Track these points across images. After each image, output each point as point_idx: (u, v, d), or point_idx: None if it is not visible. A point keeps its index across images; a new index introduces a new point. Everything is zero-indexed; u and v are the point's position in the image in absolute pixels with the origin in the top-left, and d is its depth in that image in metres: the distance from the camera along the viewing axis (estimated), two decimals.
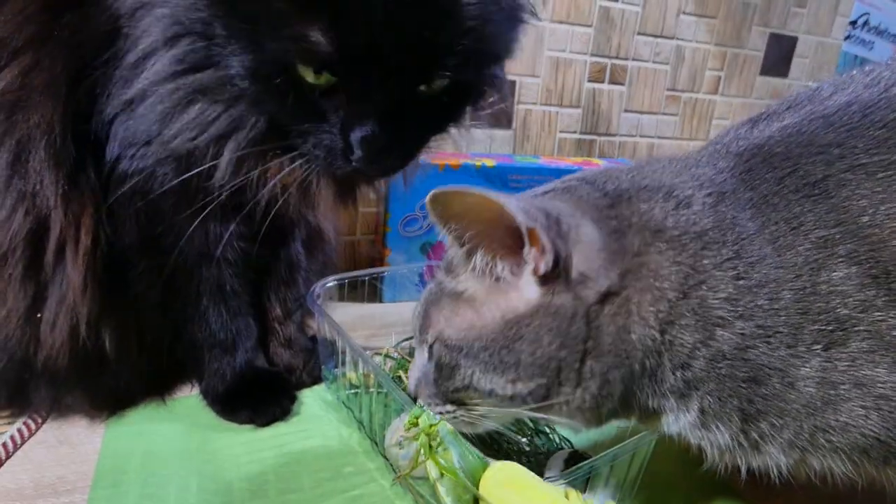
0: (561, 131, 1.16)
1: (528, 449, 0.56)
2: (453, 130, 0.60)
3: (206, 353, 0.62)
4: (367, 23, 0.41)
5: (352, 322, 0.63)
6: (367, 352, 0.62)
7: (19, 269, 0.52)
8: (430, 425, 0.42)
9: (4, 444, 0.54)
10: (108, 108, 0.51)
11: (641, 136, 1.24)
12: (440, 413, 0.44)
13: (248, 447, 0.57)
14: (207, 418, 0.62)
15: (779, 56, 1.32)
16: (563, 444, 0.58)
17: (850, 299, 0.35)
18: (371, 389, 0.59)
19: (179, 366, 0.64)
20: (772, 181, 0.38)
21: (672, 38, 1.19)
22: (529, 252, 0.37)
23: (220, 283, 0.60)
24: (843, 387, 0.35)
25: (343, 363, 0.61)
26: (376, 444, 0.58)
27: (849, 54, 1.37)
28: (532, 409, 0.40)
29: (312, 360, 0.70)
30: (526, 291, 0.38)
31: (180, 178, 0.51)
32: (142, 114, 0.49)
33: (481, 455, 0.41)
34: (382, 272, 0.87)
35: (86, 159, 0.53)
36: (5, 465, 0.53)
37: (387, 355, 0.68)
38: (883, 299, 0.34)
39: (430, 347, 0.43)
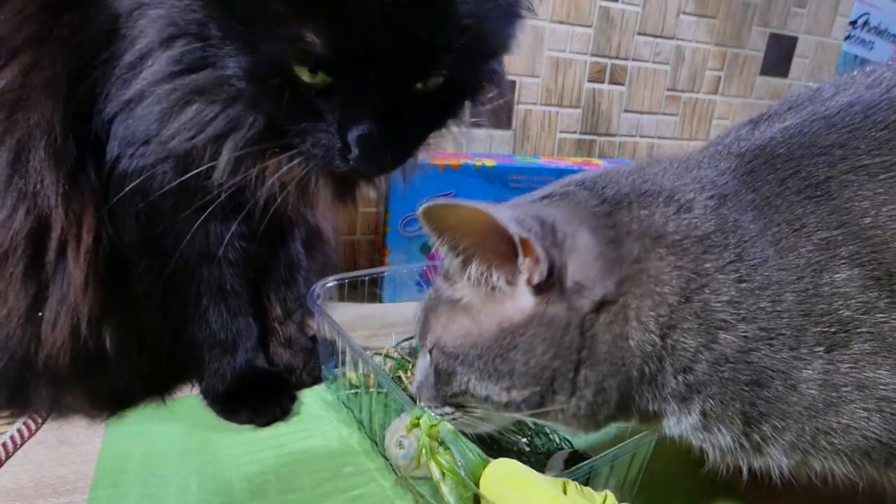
0: (561, 131, 1.16)
1: (528, 449, 0.56)
2: (453, 127, 0.60)
3: (206, 352, 0.62)
4: (363, 23, 0.41)
5: (352, 322, 0.63)
6: (367, 352, 0.62)
7: (20, 268, 0.52)
8: (431, 426, 0.43)
9: (4, 444, 0.54)
10: (108, 108, 0.51)
11: (641, 137, 1.24)
12: (440, 415, 0.44)
13: (248, 447, 0.57)
14: (207, 418, 0.62)
15: (779, 56, 1.32)
16: (563, 444, 0.58)
17: (853, 301, 0.34)
18: (371, 389, 0.59)
19: (179, 366, 0.64)
20: (774, 182, 0.38)
21: (672, 38, 1.19)
22: (524, 262, 0.37)
23: (221, 283, 0.60)
24: (845, 389, 0.35)
25: (343, 363, 0.61)
26: (376, 444, 0.58)
27: (849, 54, 1.37)
28: (528, 416, 0.40)
29: (312, 360, 0.70)
30: (521, 301, 0.38)
31: (180, 178, 0.51)
32: (140, 114, 0.49)
33: (481, 453, 0.41)
34: (382, 272, 0.87)
35: (86, 159, 0.53)
36: (5, 465, 0.53)
37: (387, 355, 0.68)
38: (885, 301, 0.34)
39: (430, 353, 0.43)
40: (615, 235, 0.38)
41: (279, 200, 0.53)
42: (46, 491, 0.50)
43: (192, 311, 0.60)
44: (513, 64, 1.06)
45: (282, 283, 0.69)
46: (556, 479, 0.39)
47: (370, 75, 0.44)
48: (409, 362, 0.67)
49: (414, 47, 0.43)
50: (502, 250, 0.37)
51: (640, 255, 0.37)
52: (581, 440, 0.57)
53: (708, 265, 0.36)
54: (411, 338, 0.75)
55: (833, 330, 0.35)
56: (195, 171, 0.50)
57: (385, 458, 0.55)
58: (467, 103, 0.58)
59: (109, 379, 0.59)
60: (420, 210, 0.37)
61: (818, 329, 0.35)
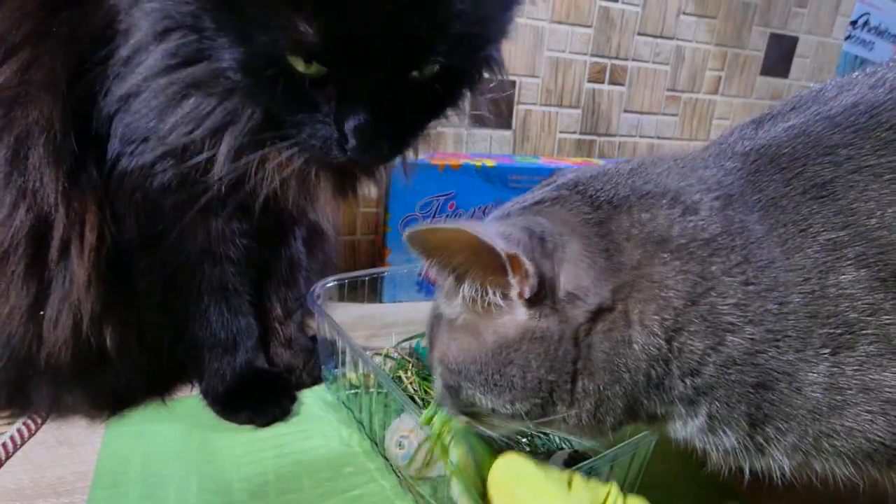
0: (561, 131, 1.16)
1: (528, 449, 0.56)
2: (453, 117, 0.59)
3: (206, 352, 0.62)
4: (355, 11, 0.41)
5: (352, 322, 0.63)
6: (367, 352, 0.62)
7: (21, 267, 0.52)
8: (444, 422, 0.43)
9: (4, 444, 0.54)
10: (107, 105, 0.51)
11: (641, 137, 1.24)
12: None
13: (248, 447, 0.57)
14: (207, 418, 0.62)
15: (779, 56, 1.32)
16: (563, 444, 0.58)
17: (859, 302, 0.34)
18: (371, 390, 0.59)
19: (179, 366, 0.64)
20: (779, 182, 0.38)
21: (672, 38, 1.19)
22: (513, 277, 0.37)
23: (222, 282, 0.60)
24: (849, 392, 0.35)
25: (343, 363, 0.61)
26: (376, 444, 0.58)
27: (849, 54, 1.37)
28: (535, 426, 0.40)
29: (312, 360, 0.70)
30: (516, 314, 0.38)
31: (179, 173, 0.51)
32: (137, 109, 0.49)
33: (490, 449, 0.42)
34: (382, 272, 0.87)
35: (87, 157, 0.53)
36: (5, 465, 0.53)
37: (387, 355, 0.68)
38: (891, 302, 0.34)
39: (437, 369, 0.43)
40: (611, 242, 0.38)
41: (279, 195, 0.53)
42: (46, 491, 0.50)
43: (193, 310, 0.60)
44: (513, 64, 1.06)
45: (282, 282, 0.69)
46: (563, 472, 0.39)
47: (365, 64, 0.43)
48: (409, 362, 0.67)
49: (408, 35, 0.42)
50: (494, 265, 0.37)
51: (643, 260, 0.37)
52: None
53: (714, 268, 0.36)
54: (411, 338, 0.75)
55: (839, 332, 0.34)
56: (194, 166, 0.50)
57: (385, 458, 0.55)
58: (466, 92, 0.57)
59: (110, 378, 0.59)
60: (405, 236, 0.37)
61: (824, 331, 0.35)
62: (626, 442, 0.46)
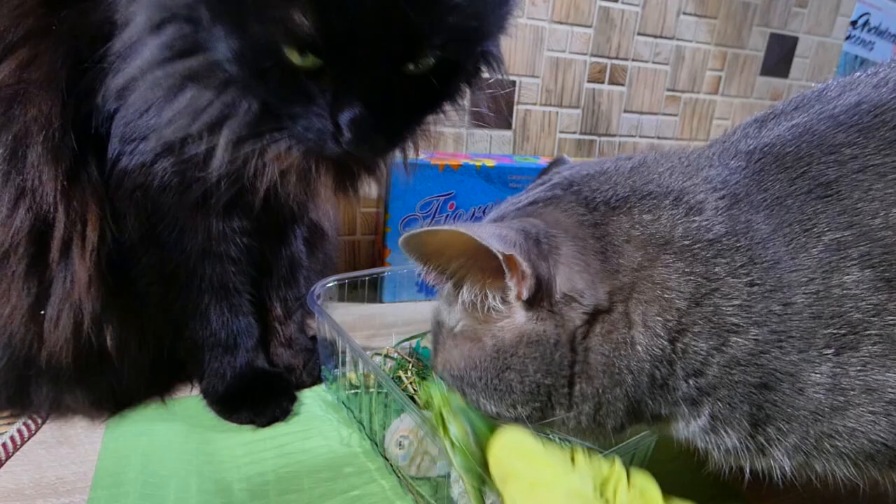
0: (561, 132, 1.16)
1: None
2: (451, 112, 0.58)
3: (206, 352, 0.62)
4: (350, 3, 0.40)
5: (352, 322, 0.63)
6: (367, 352, 0.62)
7: (22, 267, 0.52)
8: (443, 398, 0.43)
9: (4, 445, 0.54)
10: (107, 103, 0.50)
11: (641, 137, 1.24)
12: None
13: (248, 447, 0.57)
14: (207, 418, 0.62)
15: (779, 56, 1.32)
16: (562, 444, 0.57)
17: (863, 303, 0.34)
18: (371, 390, 0.59)
19: (180, 366, 0.64)
20: (784, 182, 0.37)
21: (672, 38, 1.19)
22: (511, 278, 0.36)
23: (223, 281, 0.60)
24: (852, 392, 0.34)
25: (343, 363, 0.61)
26: (376, 444, 0.58)
27: (849, 54, 1.37)
28: (537, 428, 0.40)
29: (312, 360, 0.70)
30: (515, 318, 0.38)
31: (179, 170, 0.51)
32: (133, 102, 0.49)
33: (491, 424, 0.41)
34: (382, 272, 0.87)
35: (87, 155, 0.53)
36: (5, 465, 0.53)
37: (387, 355, 0.68)
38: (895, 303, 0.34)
39: (442, 375, 0.43)
40: (608, 244, 0.37)
41: (279, 189, 0.53)
42: (46, 491, 0.50)
43: (193, 309, 0.60)
44: (513, 64, 1.06)
45: (283, 282, 0.69)
46: (565, 446, 0.39)
47: (360, 56, 0.43)
48: (409, 362, 0.67)
49: (403, 27, 0.42)
50: (491, 268, 0.37)
51: (644, 262, 0.37)
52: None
53: (718, 269, 0.36)
54: (411, 338, 0.75)
55: (842, 332, 0.34)
56: (193, 160, 0.50)
57: (385, 458, 0.55)
58: (464, 87, 0.57)
59: (110, 378, 0.59)
60: (400, 241, 0.37)
61: (828, 331, 0.35)
62: (626, 442, 0.46)
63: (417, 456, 0.52)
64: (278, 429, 0.61)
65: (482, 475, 0.40)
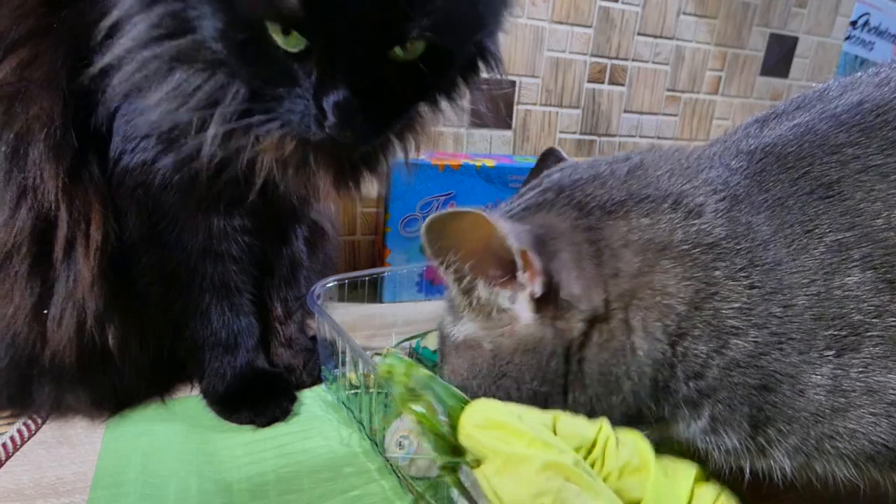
0: (561, 132, 1.16)
1: None
2: (449, 111, 0.58)
3: (207, 352, 0.61)
4: None
5: (352, 322, 0.63)
6: (367, 352, 0.62)
7: (25, 266, 0.52)
8: (404, 373, 0.40)
9: (4, 445, 0.54)
10: (108, 101, 0.50)
11: (641, 137, 1.24)
12: None
13: (248, 447, 0.57)
14: (207, 418, 0.61)
15: (779, 56, 1.32)
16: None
17: (865, 304, 0.34)
18: (371, 390, 0.59)
19: (180, 366, 0.64)
20: (786, 182, 0.37)
21: (672, 38, 1.19)
22: (525, 274, 0.36)
23: (224, 280, 0.60)
24: (853, 394, 0.34)
25: (343, 363, 0.61)
26: (376, 444, 0.58)
27: (849, 55, 1.37)
28: None
29: (312, 360, 0.70)
30: (520, 320, 0.38)
31: (178, 164, 0.51)
32: (117, 83, 0.48)
33: (462, 396, 0.38)
34: (382, 272, 0.87)
35: (88, 154, 0.53)
36: (5, 465, 0.53)
37: (387, 356, 0.68)
38: None
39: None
40: (604, 248, 0.37)
41: (278, 184, 0.52)
42: (46, 491, 0.50)
43: (194, 309, 0.60)
44: (513, 64, 1.06)
45: (283, 281, 0.69)
46: (546, 413, 0.37)
47: (345, 36, 0.42)
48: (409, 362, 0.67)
49: (388, 5, 0.41)
50: (505, 264, 0.37)
51: (643, 268, 0.36)
52: None
53: (718, 273, 0.36)
54: (411, 338, 0.75)
55: (843, 334, 0.34)
56: (191, 155, 0.49)
57: (385, 458, 0.55)
58: (460, 83, 0.56)
59: (111, 377, 0.59)
60: (424, 225, 0.36)
61: (828, 333, 0.35)
62: None
63: (417, 456, 0.52)
64: (278, 429, 0.61)
65: (455, 454, 0.37)
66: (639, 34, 1.16)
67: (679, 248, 0.36)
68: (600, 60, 1.14)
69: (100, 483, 0.51)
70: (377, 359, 0.67)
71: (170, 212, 0.55)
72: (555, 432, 0.36)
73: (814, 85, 0.44)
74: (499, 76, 0.57)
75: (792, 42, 1.33)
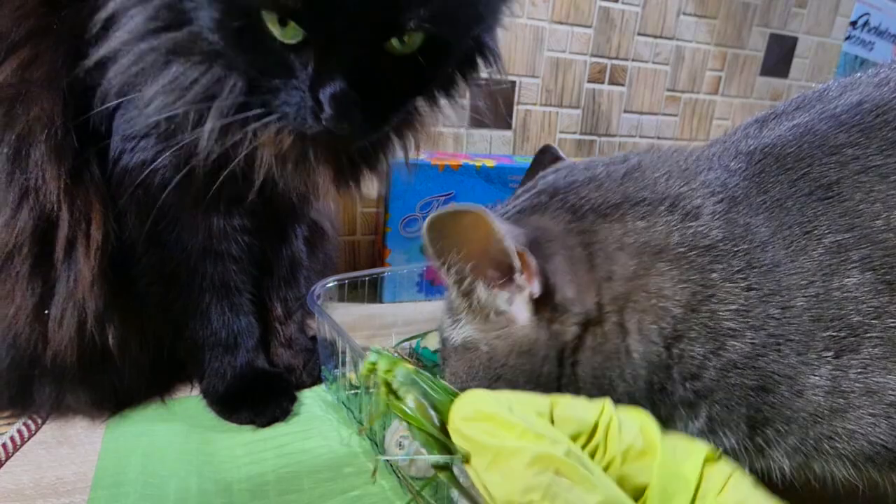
0: (561, 132, 1.16)
1: None
2: (447, 108, 0.58)
3: (206, 352, 0.61)
4: None
5: (352, 322, 0.63)
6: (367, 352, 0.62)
7: (26, 267, 0.52)
8: (387, 370, 0.38)
9: (4, 445, 0.54)
10: (106, 99, 0.50)
11: (641, 137, 1.24)
12: None
13: (248, 448, 0.57)
14: (207, 418, 0.61)
15: (779, 56, 1.32)
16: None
17: (864, 306, 0.34)
18: (371, 390, 0.59)
19: (180, 366, 0.64)
20: (785, 184, 0.37)
21: (672, 38, 1.19)
22: (522, 275, 0.36)
23: (224, 280, 0.60)
24: (852, 395, 0.34)
25: (343, 363, 0.61)
26: (376, 444, 0.58)
27: (849, 55, 1.37)
28: None
29: (312, 360, 0.70)
30: (517, 321, 0.38)
31: (176, 161, 0.51)
32: (114, 75, 0.48)
33: (450, 388, 0.37)
34: (382, 272, 0.87)
35: (89, 154, 0.53)
36: (5, 465, 0.53)
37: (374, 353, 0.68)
38: None
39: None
40: (598, 252, 0.37)
41: (277, 180, 0.52)
42: (46, 491, 0.50)
43: (194, 309, 0.60)
44: (513, 64, 1.06)
45: (283, 281, 0.69)
46: (544, 397, 0.34)
47: (342, 27, 0.42)
48: (409, 362, 0.66)
49: None
50: (504, 266, 0.37)
51: (638, 271, 0.36)
52: None
53: (715, 275, 0.36)
54: (411, 338, 0.75)
55: (842, 335, 0.34)
56: (190, 152, 0.49)
57: (385, 459, 0.55)
58: (458, 78, 0.56)
59: (112, 377, 0.59)
60: (425, 224, 0.36)
61: (827, 334, 0.34)
62: None
63: (417, 456, 0.52)
64: (278, 429, 0.61)
65: (447, 450, 0.35)
66: (639, 34, 1.16)
67: (675, 250, 0.36)
68: (600, 60, 1.14)
69: (100, 483, 0.51)
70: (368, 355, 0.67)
71: (169, 211, 0.55)
72: (552, 418, 0.34)
73: (814, 85, 0.44)
74: (498, 71, 0.56)
75: (792, 42, 1.33)
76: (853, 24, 1.35)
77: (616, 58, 1.15)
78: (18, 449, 0.55)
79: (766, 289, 0.35)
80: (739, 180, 0.39)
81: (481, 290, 0.39)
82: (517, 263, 0.36)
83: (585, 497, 0.29)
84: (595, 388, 0.37)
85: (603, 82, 1.16)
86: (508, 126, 1.11)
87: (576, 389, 0.37)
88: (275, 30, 0.42)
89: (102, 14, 0.47)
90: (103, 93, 0.50)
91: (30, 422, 0.58)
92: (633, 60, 1.17)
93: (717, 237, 0.36)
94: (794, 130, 0.39)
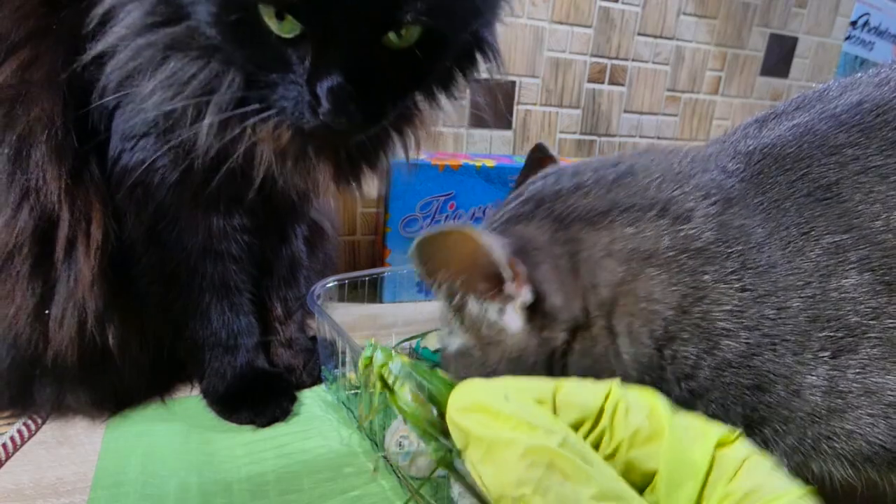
0: (561, 132, 1.16)
1: None
2: (445, 103, 0.57)
3: (207, 352, 0.62)
4: None
5: (352, 322, 0.63)
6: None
7: (27, 267, 0.52)
8: (382, 364, 0.38)
9: (4, 445, 0.54)
10: (106, 100, 0.50)
11: (641, 137, 1.24)
12: None
13: (248, 447, 0.57)
14: (207, 418, 0.62)
15: (779, 56, 1.32)
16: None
17: (862, 306, 0.34)
18: (371, 389, 0.59)
19: (180, 366, 0.64)
20: (783, 185, 0.37)
21: (672, 38, 1.19)
22: (512, 284, 0.36)
23: (224, 280, 0.60)
24: (850, 395, 0.34)
25: (343, 364, 0.61)
26: (376, 444, 0.58)
27: (849, 55, 1.37)
28: None
29: (312, 360, 0.70)
30: (509, 330, 0.38)
31: (175, 158, 0.51)
32: (111, 71, 0.48)
33: (447, 379, 0.36)
34: (382, 272, 0.87)
35: (89, 153, 0.53)
36: (5, 465, 0.53)
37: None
38: None
39: None
40: (583, 260, 0.37)
41: (277, 177, 0.52)
42: (46, 491, 0.50)
43: (194, 309, 0.60)
44: (513, 64, 1.06)
45: (283, 281, 0.69)
46: (547, 381, 0.33)
47: (339, 21, 0.42)
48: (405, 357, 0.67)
49: None
50: (494, 277, 0.37)
51: (626, 277, 0.36)
52: None
53: (707, 277, 0.35)
54: (411, 338, 0.75)
55: (840, 335, 0.34)
56: (189, 149, 0.49)
57: (385, 458, 0.55)
58: (457, 74, 0.56)
59: (112, 377, 0.59)
60: (412, 247, 0.36)
61: (823, 334, 0.34)
62: None
63: (417, 456, 0.52)
64: (278, 429, 0.61)
65: (445, 441, 0.34)
66: (639, 34, 1.16)
67: (665, 254, 0.36)
68: (600, 60, 1.14)
69: (100, 483, 0.51)
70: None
71: (169, 211, 0.55)
72: (555, 404, 0.32)
73: (814, 85, 0.44)
74: (497, 66, 0.56)
75: (792, 42, 1.33)
76: (853, 24, 1.35)
77: (616, 58, 1.15)
78: (18, 449, 0.55)
79: (762, 290, 0.35)
80: (736, 182, 0.38)
81: (473, 304, 0.39)
82: (507, 273, 0.36)
83: (579, 490, 0.27)
84: None
85: (603, 82, 1.16)
86: (508, 126, 1.11)
87: None
88: (272, 24, 0.42)
89: (99, 9, 0.47)
90: (101, 89, 0.50)
91: (30, 422, 0.58)
92: (633, 60, 1.17)
93: (708, 239, 0.36)
94: (794, 130, 0.39)
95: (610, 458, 0.30)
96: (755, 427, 0.37)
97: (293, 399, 0.64)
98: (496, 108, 1.06)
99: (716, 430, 0.30)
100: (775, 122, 0.42)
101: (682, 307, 0.35)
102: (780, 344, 0.35)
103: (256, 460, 0.56)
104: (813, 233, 0.35)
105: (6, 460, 0.53)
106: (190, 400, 0.64)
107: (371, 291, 0.88)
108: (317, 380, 0.69)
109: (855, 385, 0.34)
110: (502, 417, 0.30)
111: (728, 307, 0.35)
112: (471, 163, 0.91)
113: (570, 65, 1.12)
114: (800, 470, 0.39)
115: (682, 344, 0.36)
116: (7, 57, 0.50)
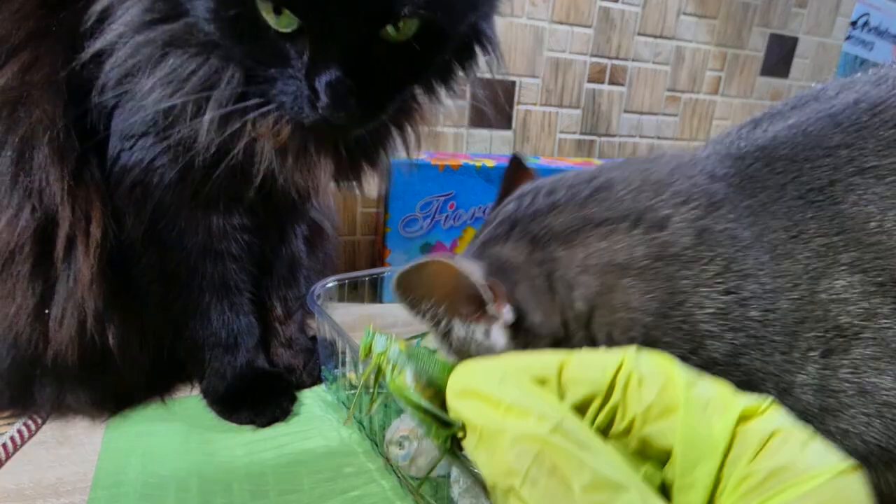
0: (561, 132, 1.16)
1: None
2: (444, 98, 0.57)
3: (207, 352, 0.62)
4: None
5: (352, 322, 0.63)
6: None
7: (27, 267, 0.52)
8: (380, 353, 0.39)
9: (4, 445, 0.54)
10: (105, 100, 0.50)
11: (641, 137, 1.24)
12: None
13: (248, 447, 0.57)
14: (207, 418, 0.62)
15: (779, 56, 1.32)
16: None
17: (854, 307, 0.34)
18: (370, 389, 0.59)
19: (180, 366, 0.64)
20: (773, 188, 0.37)
21: (672, 38, 1.19)
22: (493, 304, 0.37)
23: (224, 279, 0.60)
24: (844, 395, 0.34)
25: (343, 363, 0.61)
26: (376, 444, 0.58)
27: (849, 55, 1.37)
28: None
29: (312, 361, 0.70)
30: (496, 348, 0.39)
31: (175, 157, 0.51)
32: (110, 68, 0.48)
33: (446, 362, 0.36)
34: (382, 272, 0.87)
35: (89, 153, 0.53)
36: (5, 465, 0.53)
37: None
38: (890, 307, 0.33)
39: None
40: (559, 278, 0.37)
41: (278, 175, 0.52)
42: (46, 491, 0.50)
43: (194, 308, 0.60)
44: (513, 64, 1.06)
45: (283, 281, 0.69)
46: (554, 354, 0.32)
47: (337, 15, 0.42)
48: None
49: None
50: (475, 301, 0.37)
51: (602, 290, 0.36)
52: None
53: (685, 282, 0.35)
54: (411, 338, 0.75)
55: (829, 335, 0.34)
56: (188, 148, 0.49)
57: (385, 458, 0.55)
58: (456, 68, 0.55)
59: (112, 377, 0.59)
60: (392, 282, 0.37)
61: (812, 335, 0.34)
62: None
63: (417, 456, 0.52)
64: (278, 429, 0.61)
65: (445, 426, 0.34)
66: (639, 34, 1.16)
67: (640, 263, 0.36)
68: (600, 60, 1.14)
69: (100, 483, 0.51)
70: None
71: (169, 210, 0.55)
72: (560, 382, 0.31)
73: (813, 85, 0.44)
74: (496, 61, 0.56)
75: (792, 42, 1.32)
76: (853, 24, 1.35)
77: (616, 58, 1.15)
78: (18, 449, 0.55)
79: (747, 292, 0.35)
80: (723, 186, 0.38)
81: (458, 328, 0.40)
82: (486, 295, 0.36)
83: (570, 479, 0.25)
84: None
85: (603, 82, 1.16)
86: (508, 126, 1.11)
87: None
88: (269, 19, 0.42)
89: (97, 6, 0.47)
90: (100, 87, 0.50)
91: (30, 422, 0.58)
92: (633, 60, 1.17)
93: (685, 244, 0.36)
94: (789, 131, 0.39)
95: (624, 435, 0.29)
96: None
97: (293, 399, 0.64)
98: (497, 102, 1.06)
99: (741, 400, 0.28)
100: (770, 122, 0.42)
101: (660, 312, 0.35)
102: (767, 344, 0.35)
103: (256, 460, 0.56)
104: (803, 235, 0.35)
105: (6, 460, 0.53)
106: (190, 400, 0.64)
107: (371, 291, 0.88)
108: (317, 380, 0.69)
109: (847, 384, 0.34)
110: (494, 402, 0.29)
111: (711, 310, 0.35)
112: (471, 163, 0.91)
113: (570, 65, 1.12)
114: None
115: (665, 347, 0.35)
116: (8, 59, 0.50)
